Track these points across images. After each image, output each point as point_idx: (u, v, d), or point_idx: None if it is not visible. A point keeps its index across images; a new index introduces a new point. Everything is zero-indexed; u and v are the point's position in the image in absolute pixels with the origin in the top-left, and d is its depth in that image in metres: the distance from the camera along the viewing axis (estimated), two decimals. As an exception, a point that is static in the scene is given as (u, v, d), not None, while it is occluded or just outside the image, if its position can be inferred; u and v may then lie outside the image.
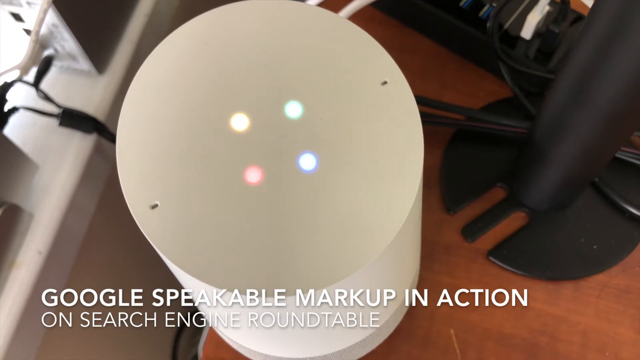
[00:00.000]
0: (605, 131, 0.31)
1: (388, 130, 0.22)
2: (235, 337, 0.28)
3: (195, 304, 0.28)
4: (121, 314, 0.66)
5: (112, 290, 0.62)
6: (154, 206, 0.21)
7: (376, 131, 0.22)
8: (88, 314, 0.56)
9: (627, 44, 0.25)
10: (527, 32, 0.41)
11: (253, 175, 0.22)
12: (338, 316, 0.25)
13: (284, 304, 0.22)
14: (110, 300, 0.62)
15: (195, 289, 0.23)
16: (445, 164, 0.42)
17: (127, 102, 0.22)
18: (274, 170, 0.22)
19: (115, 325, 0.64)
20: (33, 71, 0.49)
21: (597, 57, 0.27)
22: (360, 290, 0.24)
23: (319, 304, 0.23)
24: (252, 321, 0.25)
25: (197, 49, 0.23)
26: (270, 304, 0.22)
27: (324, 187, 0.22)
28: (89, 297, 0.56)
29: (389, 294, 0.28)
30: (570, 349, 0.36)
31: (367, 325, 0.28)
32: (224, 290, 0.21)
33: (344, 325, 0.27)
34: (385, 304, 0.28)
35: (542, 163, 0.36)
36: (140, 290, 0.69)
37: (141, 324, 0.71)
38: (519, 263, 0.38)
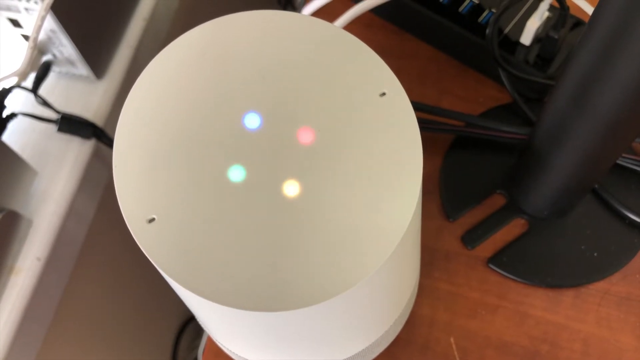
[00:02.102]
0: (606, 138, 0.31)
1: (387, 142, 0.22)
2: (233, 348, 0.28)
3: (194, 315, 0.28)
4: (121, 318, 0.66)
5: (112, 295, 0.62)
6: (151, 220, 0.21)
7: (375, 143, 0.22)
8: (88, 317, 0.56)
9: (629, 50, 0.25)
10: (526, 37, 0.41)
11: (250, 189, 0.22)
12: (337, 328, 0.25)
13: (282, 319, 0.21)
14: (110, 305, 0.62)
15: (193, 302, 0.23)
16: (444, 171, 0.41)
17: (123, 115, 0.22)
18: (273, 183, 0.22)
19: (115, 330, 0.64)
20: (31, 77, 0.49)
21: (598, 63, 0.27)
22: (361, 302, 0.24)
23: (318, 317, 0.22)
24: (250, 334, 0.24)
25: (195, 60, 0.23)
26: (268, 319, 0.21)
27: (323, 200, 0.21)
28: (88, 301, 0.56)
29: (389, 305, 0.28)
30: (571, 357, 0.36)
31: (366, 336, 0.28)
32: (221, 305, 0.20)
33: (343, 337, 0.26)
34: (385, 314, 0.28)
35: (542, 169, 0.35)
36: (140, 295, 0.69)
37: (141, 328, 0.71)
38: (519, 270, 0.38)
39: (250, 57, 0.23)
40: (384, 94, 0.22)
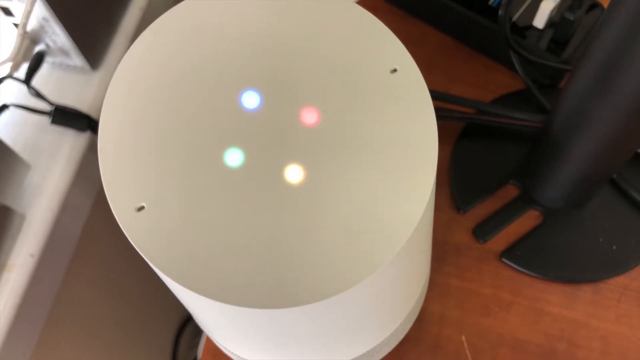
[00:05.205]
0: (629, 124, 0.29)
1: (398, 122, 0.20)
2: (232, 348, 0.27)
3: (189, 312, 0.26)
4: (119, 317, 0.64)
5: (109, 293, 0.60)
6: (140, 208, 0.19)
7: (386, 123, 0.20)
8: (85, 317, 0.55)
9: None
10: (539, 20, 0.40)
11: (248, 174, 0.20)
12: (343, 327, 0.23)
13: (285, 316, 0.20)
14: (107, 303, 0.60)
15: (188, 299, 0.21)
16: (454, 161, 0.40)
17: (109, 95, 0.21)
18: (274, 168, 0.20)
19: (112, 329, 0.62)
20: (24, 67, 0.48)
21: (623, 43, 0.26)
22: (369, 299, 0.22)
23: (323, 315, 0.21)
24: (250, 334, 0.23)
25: (188, 34, 0.21)
26: (271, 316, 0.20)
27: (328, 187, 0.20)
28: (85, 299, 0.54)
29: (398, 302, 0.26)
30: (589, 356, 0.35)
31: (374, 335, 0.27)
32: (218, 302, 0.19)
33: (349, 336, 0.25)
34: (393, 312, 0.27)
35: (558, 158, 0.34)
36: (139, 292, 0.68)
37: (140, 327, 0.69)
38: (533, 265, 0.37)
39: (250, 30, 0.21)
40: (395, 70, 0.21)
